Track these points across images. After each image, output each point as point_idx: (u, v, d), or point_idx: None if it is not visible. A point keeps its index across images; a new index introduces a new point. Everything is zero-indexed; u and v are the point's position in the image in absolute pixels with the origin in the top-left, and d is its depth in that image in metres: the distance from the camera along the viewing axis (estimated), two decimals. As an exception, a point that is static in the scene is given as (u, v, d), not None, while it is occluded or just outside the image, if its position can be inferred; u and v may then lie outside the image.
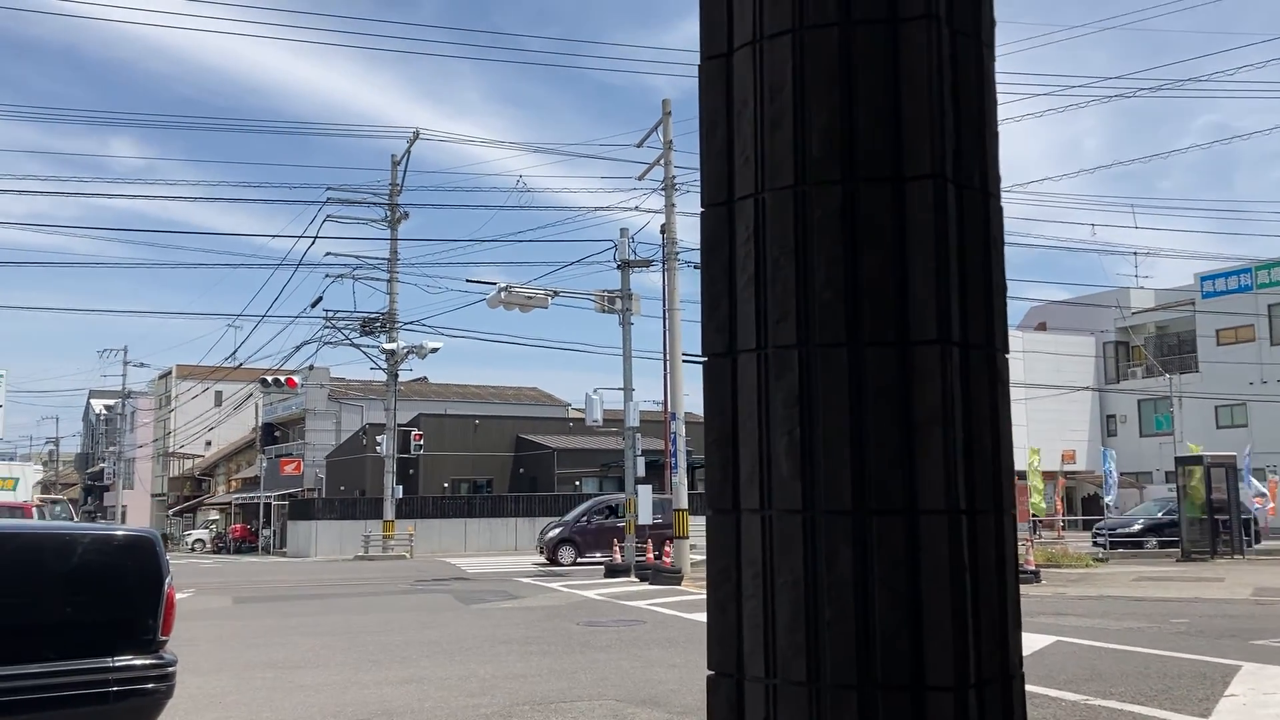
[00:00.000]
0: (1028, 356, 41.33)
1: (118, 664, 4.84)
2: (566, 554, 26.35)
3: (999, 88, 1.54)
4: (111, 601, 5.05)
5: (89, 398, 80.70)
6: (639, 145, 24.52)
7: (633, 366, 24.51)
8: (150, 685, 4.93)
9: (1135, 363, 47.69)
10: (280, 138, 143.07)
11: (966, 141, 1.40)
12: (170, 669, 5.06)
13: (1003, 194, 1.50)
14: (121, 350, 63.61)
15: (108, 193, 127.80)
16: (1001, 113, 1.64)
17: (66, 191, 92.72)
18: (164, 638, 5.08)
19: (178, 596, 5.34)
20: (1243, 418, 41.68)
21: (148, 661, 4.95)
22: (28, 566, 4.91)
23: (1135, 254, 48.96)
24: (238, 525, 52.55)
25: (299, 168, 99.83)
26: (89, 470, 77.48)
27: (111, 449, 66.58)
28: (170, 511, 65.71)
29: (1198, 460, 24.68)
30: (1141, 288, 47.78)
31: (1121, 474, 42.29)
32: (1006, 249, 1.51)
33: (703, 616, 13.52)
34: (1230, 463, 24.38)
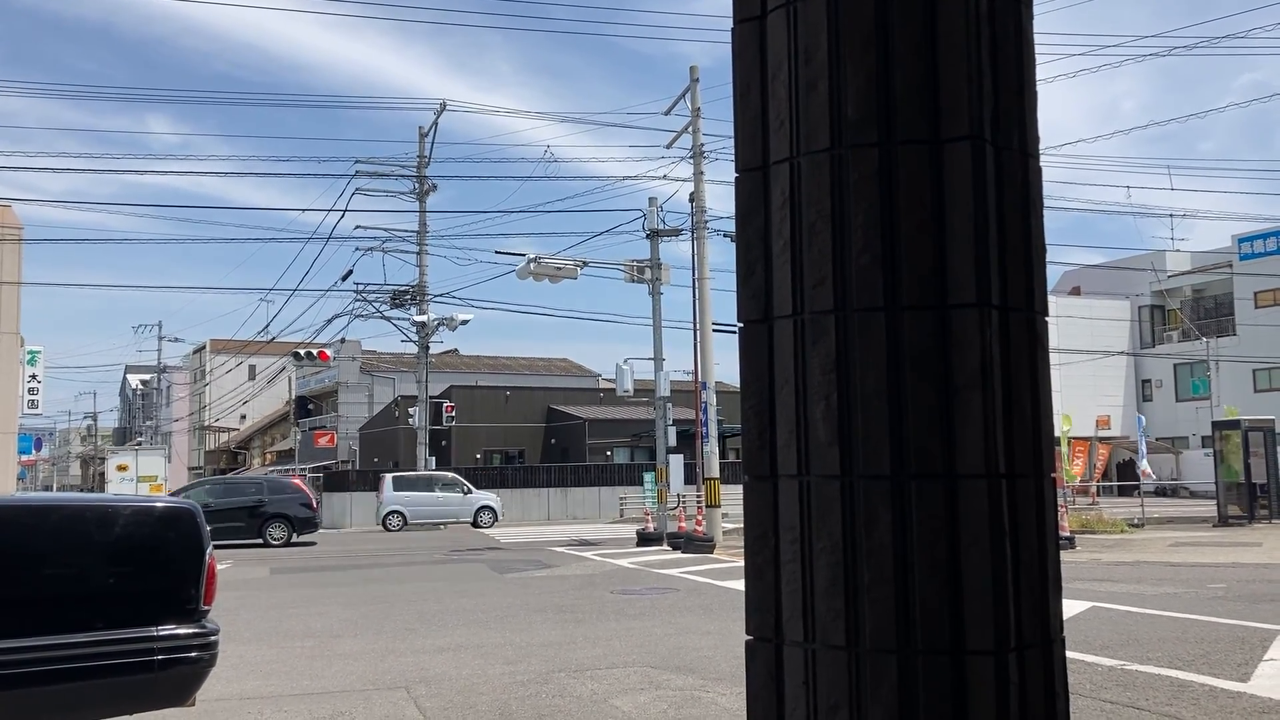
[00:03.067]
0: (1061, 321, 40.90)
1: (162, 633, 4.93)
2: None
3: (1035, 47, 1.51)
4: (154, 572, 5.14)
5: (125, 372, 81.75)
6: (666, 113, 24.41)
7: (663, 336, 24.51)
8: (194, 654, 5.02)
9: (1171, 326, 47.10)
10: (312, 112, 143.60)
11: (1005, 102, 1.38)
12: (213, 638, 5.14)
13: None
14: (156, 325, 64.37)
15: (142, 169, 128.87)
16: (1039, 73, 1.61)
17: (102, 169, 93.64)
18: (206, 607, 5.16)
19: (218, 567, 5.42)
20: (1281, 381, 41.16)
21: (191, 630, 5.04)
22: (72, 537, 5.00)
23: (1171, 216, 48.21)
24: (274, 497, 53.12)
25: (331, 141, 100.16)
26: (126, 445, 78.60)
27: (148, 423, 67.53)
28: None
29: (1235, 425, 24.40)
30: (1177, 250, 47.08)
31: (1157, 439, 41.92)
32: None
33: (735, 584, 13.53)
34: (1269, 427, 24.08)
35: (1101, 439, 39.11)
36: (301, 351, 37.16)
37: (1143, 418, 28.88)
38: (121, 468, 35.12)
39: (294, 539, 25.18)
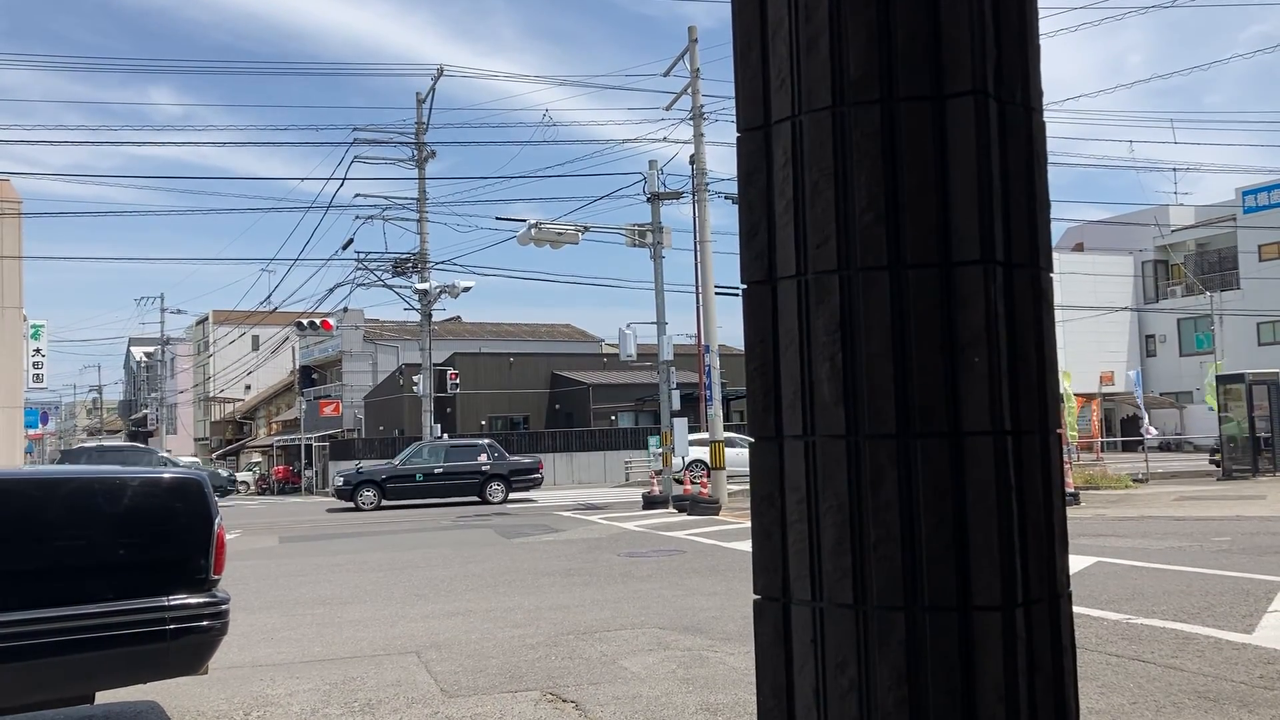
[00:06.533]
0: (1065, 278, 40.77)
1: (173, 603, 4.97)
2: None
3: (1040, -1, 1.50)
4: (164, 543, 5.17)
5: (129, 345, 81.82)
6: (665, 74, 24.29)
7: (665, 300, 24.47)
8: (205, 623, 5.06)
9: (1174, 281, 46.94)
10: (314, 80, 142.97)
11: (1008, 55, 1.37)
12: (223, 607, 5.18)
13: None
14: (159, 297, 64.30)
15: (144, 141, 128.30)
16: (1041, 26, 1.59)
17: (104, 141, 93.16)
18: (216, 577, 5.20)
19: (226, 537, 5.45)
20: (1285, 334, 41.08)
21: (202, 600, 5.08)
22: (82, 509, 5.02)
23: (1174, 170, 48.01)
24: (280, 467, 53.44)
25: (332, 109, 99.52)
26: (132, 417, 78.82)
27: (153, 395, 67.70)
28: (213, 455, 66.88)
29: (1239, 378, 24.39)
30: (1181, 205, 46.84)
31: (1161, 394, 41.93)
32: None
33: (741, 545, 13.59)
34: (1272, 380, 24.07)
35: (1105, 395, 39.11)
36: (304, 321, 37.14)
37: (1136, 373, 28.81)
38: None
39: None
